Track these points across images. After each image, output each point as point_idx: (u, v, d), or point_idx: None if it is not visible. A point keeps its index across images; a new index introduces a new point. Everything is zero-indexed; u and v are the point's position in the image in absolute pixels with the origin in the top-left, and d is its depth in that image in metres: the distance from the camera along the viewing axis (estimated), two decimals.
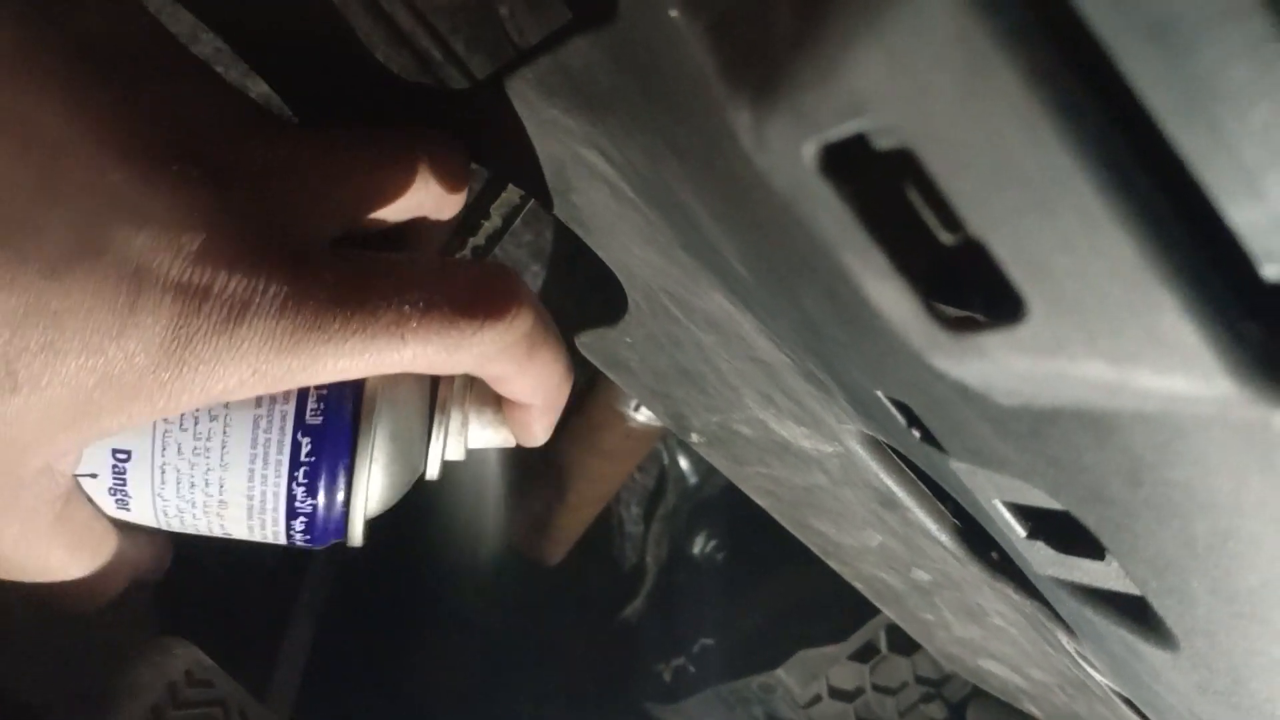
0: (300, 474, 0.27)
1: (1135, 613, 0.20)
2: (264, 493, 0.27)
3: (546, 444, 0.63)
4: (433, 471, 0.31)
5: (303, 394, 0.27)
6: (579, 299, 0.65)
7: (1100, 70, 0.11)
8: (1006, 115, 0.12)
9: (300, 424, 0.27)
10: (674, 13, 0.16)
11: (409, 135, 0.29)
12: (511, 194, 0.38)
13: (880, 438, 0.28)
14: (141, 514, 0.28)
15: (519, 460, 0.69)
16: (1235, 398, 0.12)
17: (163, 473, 0.27)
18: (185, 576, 0.33)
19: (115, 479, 0.27)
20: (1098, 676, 0.30)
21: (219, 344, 0.24)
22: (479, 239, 0.37)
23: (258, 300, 0.24)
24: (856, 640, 0.66)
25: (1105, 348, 0.13)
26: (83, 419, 0.24)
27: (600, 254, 0.30)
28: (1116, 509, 0.17)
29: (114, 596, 0.29)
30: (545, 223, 0.68)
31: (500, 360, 0.28)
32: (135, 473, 0.27)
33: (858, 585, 0.40)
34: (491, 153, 0.30)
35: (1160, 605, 0.19)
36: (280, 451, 0.27)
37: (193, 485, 0.27)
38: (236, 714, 0.38)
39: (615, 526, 0.77)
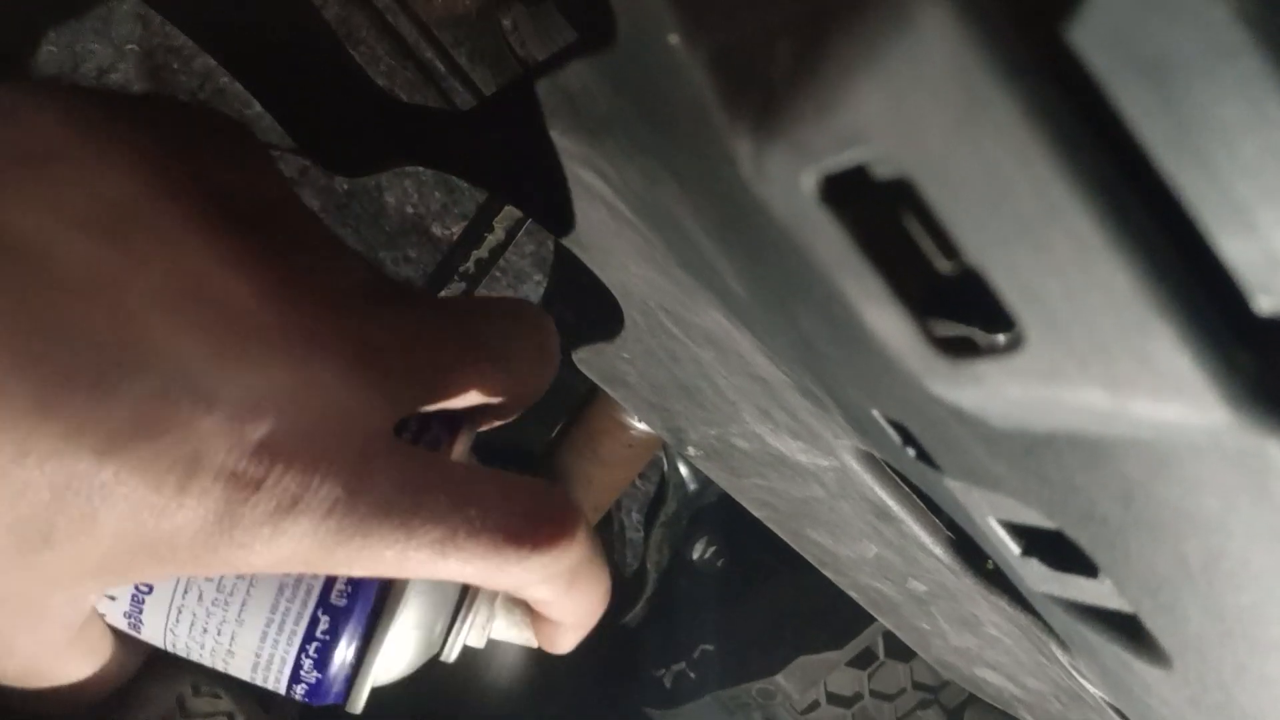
0: (311, 648, 0.27)
1: (1128, 630, 0.21)
2: (272, 655, 0.27)
3: (547, 451, 0.63)
4: (450, 657, 0.31)
5: (332, 575, 0.27)
6: (580, 309, 0.65)
7: (1095, 104, 0.11)
8: (1003, 146, 0.12)
9: (324, 602, 0.27)
10: (674, 39, 0.16)
11: (512, 324, 0.29)
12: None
13: (876, 454, 0.28)
14: (151, 638, 0.28)
15: (519, 468, 0.69)
16: (1230, 426, 0.13)
17: (179, 612, 0.27)
18: None
19: (133, 606, 0.27)
20: (1091, 688, 0.30)
21: (260, 533, 0.23)
22: (482, 251, 0.37)
23: (308, 498, 0.23)
24: (855, 647, 0.66)
25: (1101, 375, 0.13)
26: (111, 574, 0.23)
27: (598, 272, 0.30)
28: (1109, 529, 0.18)
29: (117, 685, 0.29)
30: (548, 233, 0.68)
31: (540, 588, 0.27)
32: (153, 606, 0.27)
33: (854, 595, 0.40)
34: (489, 172, 0.30)
35: (1153, 623, 0.19)
36: (297, 622, 0.27)
37: (204, 630, 0.27)
38: None
39: (616, 533, 0.77)
